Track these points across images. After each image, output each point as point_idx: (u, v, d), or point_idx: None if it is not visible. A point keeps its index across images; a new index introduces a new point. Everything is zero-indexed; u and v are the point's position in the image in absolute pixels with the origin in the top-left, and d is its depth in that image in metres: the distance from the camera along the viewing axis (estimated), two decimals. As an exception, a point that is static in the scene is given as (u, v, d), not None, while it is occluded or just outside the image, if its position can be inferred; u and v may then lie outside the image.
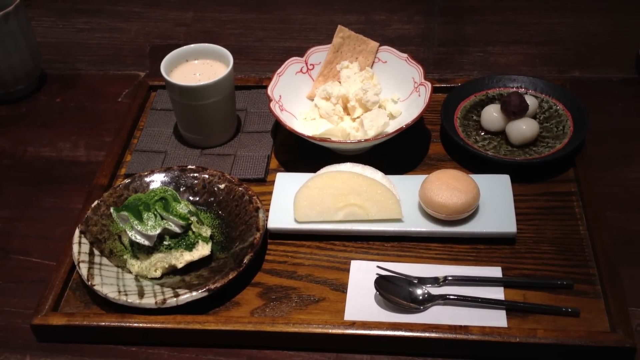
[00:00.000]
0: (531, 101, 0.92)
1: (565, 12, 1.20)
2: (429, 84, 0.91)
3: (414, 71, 0.95)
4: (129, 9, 1.28)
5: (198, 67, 0.94)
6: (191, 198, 0.86)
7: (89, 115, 1.06)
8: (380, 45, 0.98)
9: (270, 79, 0.95)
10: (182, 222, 0.77)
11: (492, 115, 0.93)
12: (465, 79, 1.01)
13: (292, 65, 0.97)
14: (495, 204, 0.82)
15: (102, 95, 1.09)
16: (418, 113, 0.88)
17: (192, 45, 0.95)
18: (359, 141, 0.87)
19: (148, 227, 0.75)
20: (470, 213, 0.80)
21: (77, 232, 0.81)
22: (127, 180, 0.87)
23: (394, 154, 0.93)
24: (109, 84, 1.11)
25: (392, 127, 0.92)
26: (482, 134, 0.94)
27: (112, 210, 0.78)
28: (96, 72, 1.14)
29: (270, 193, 0.86)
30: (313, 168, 0.87)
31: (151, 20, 1.26)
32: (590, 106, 0.94)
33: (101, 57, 1.18)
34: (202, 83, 0.89)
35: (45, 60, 1.14)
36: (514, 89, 0.97)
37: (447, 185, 0.80)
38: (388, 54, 0.98)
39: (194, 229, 0.79)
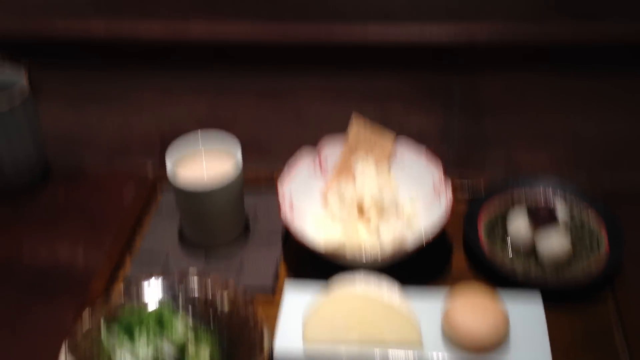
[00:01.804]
0: (560, 209, 0.86)
1: (590, 111, 1.11)
2: (449, 183, 0.86)
3: (433, 169, 0.90)
4: (140, 96, 1.24)
5: (206, 158, 0.89)
6: (190, 311, 0.79)
7: (90, 214, 1.00)
8: (397, 139, 0.93)
9: (281, 172, 0.90)
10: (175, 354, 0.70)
11: (519, 232, 0.85)
12: (488, 179, 0.95)
13: (305, 159, 0.93)
14: (526, 334, 0.74)
15: (105, 192, 1.04)
16: (438, 220, 0.82)
17: (200, 134, 0.90)
18: (374, 261, 0.81)
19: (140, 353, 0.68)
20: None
21: (63, 348, 0.74)
22: (122, 288, 0.81)
23: (413, 262, 0.85)
24: (115, 180, 1.06)
25: (410, 231, 0.86)
26: (509, 244, 0.87)
27: (102, 326, 0.72)
28: (103, 167, 1.10)
29: (278, 305, 0.80)
30: (325, 273, 0.82)
31: (163, 109, 1.21)
32: (622, 213, 0.87)
33: (110, 149, 1.14)
34: (207, 189, 0.83)
35: (51, 153, 1.10)
36: (541, 193, 0.91)
37: (473, 320, 0.72)
38: (405, 148, 0.93)
39: (190, 351, 0.71)
